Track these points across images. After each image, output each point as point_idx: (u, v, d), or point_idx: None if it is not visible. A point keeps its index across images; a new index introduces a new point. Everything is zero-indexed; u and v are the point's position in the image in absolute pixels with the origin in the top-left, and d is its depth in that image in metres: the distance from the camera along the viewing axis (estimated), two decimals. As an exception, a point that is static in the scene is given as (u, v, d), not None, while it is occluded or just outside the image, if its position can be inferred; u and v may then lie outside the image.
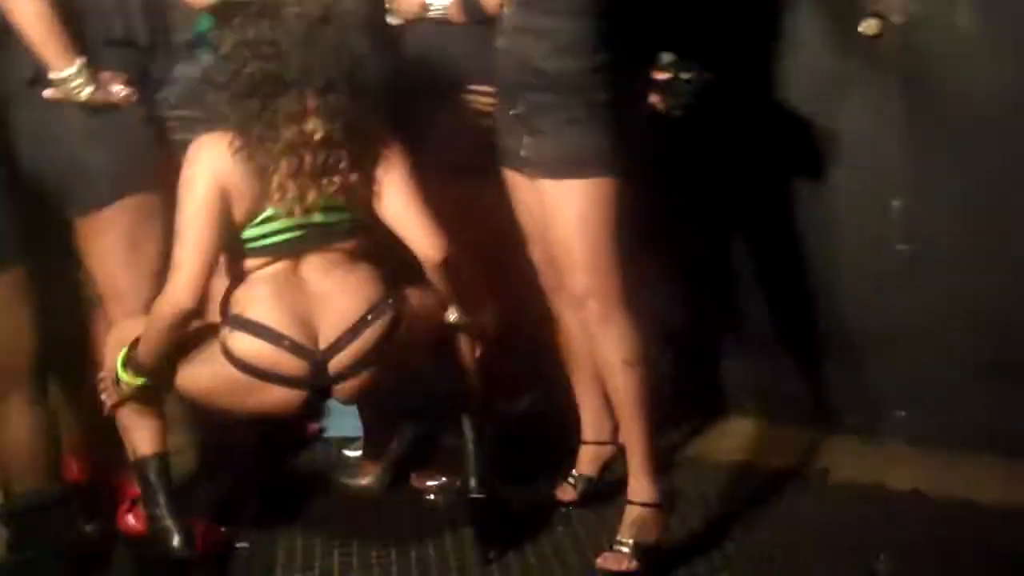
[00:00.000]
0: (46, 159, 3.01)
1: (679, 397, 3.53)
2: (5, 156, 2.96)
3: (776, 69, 3.47)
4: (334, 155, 2.76)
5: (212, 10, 2.93)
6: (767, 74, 3.48)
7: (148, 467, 2.94)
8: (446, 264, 2.89)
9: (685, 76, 3.11)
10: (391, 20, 3.37)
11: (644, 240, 3.00)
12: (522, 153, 2.96)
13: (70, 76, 2.92)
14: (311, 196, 2.78)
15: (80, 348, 3.23)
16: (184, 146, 2.90)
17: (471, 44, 3.23)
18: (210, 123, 2.91)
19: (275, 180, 2.77)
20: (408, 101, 3.28)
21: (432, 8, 3.27)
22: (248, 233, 2.85)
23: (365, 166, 2.85)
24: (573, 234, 2.90)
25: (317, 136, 2.73)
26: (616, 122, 2.90)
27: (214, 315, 2.91)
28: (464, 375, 3.10)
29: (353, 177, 2.81)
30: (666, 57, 3.13)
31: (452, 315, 3.03)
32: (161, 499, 2.93)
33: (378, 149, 2.88)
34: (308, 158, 2.74)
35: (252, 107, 2.73)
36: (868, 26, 3.25)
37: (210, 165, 2.79)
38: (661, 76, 3.12)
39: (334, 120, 2.73)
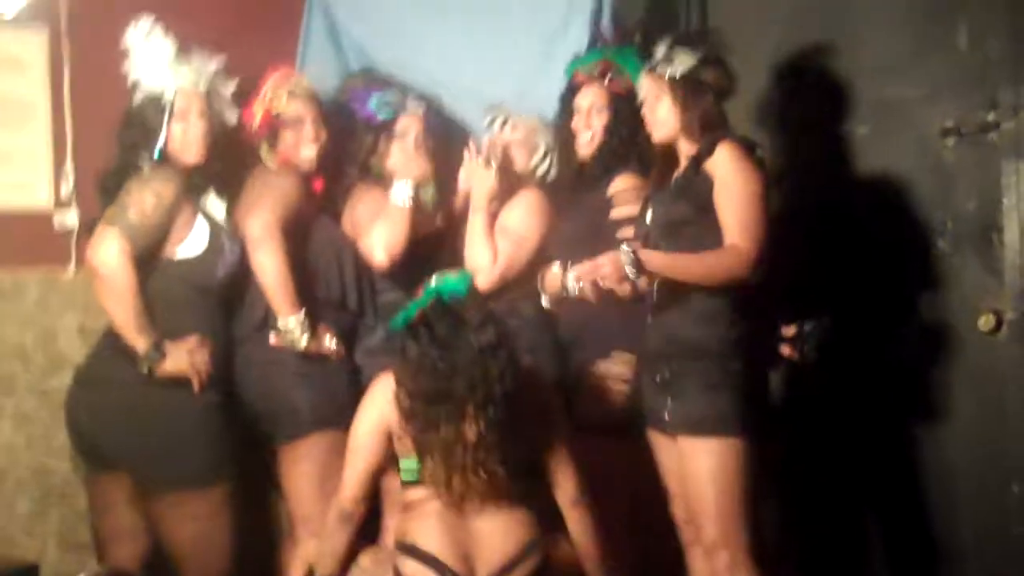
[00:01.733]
0: (261, 392, 3.56)
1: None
2: (228, 387, 3.49)
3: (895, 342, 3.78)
4: (483, 455, 3.10)
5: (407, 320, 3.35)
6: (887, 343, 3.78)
7: None
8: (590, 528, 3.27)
9: (808, 327, 3.46)
10: (544, 302, 3.76)
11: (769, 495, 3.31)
12: (665, 415, 3.34)
13: (293, 325, 3.46)
14: (457, 485, 3.11)
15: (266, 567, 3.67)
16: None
17: (611, 319, 3.62)
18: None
19: (429, 465, 3.14)
20: (562, 369, 3.70)
21: (569, 291, 3.61)
22: (410, 464, 3.22)
23: (520, 451, 3.18)
24: (706, 487, 3.23)
25: (470, 437, 3.09)
26: (749, 386, 3.28)
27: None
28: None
29: (500, 472, 3.12)
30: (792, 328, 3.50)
31: None
32: None
33: (539, 431, 3.24)
34: (460, 454, 3.10)
35: (418, 405, 3.13)
36: (986, 322, 3.54)
37: (379, 404, 3.25)
38: (789, 331, 3.47)
39: (488, 426, 3.09)
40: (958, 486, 3.68)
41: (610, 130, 3.72)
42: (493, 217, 3.73)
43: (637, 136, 3.62)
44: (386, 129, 3.83)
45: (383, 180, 3.80)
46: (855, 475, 3.87)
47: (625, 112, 3.67)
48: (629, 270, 3.18)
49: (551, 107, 3.93)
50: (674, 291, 3.32)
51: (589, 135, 3.75)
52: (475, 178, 3.72)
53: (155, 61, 3.47)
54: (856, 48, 3.86)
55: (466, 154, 3.76)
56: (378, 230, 3.65)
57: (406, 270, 3.70)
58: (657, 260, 3.24)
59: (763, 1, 4.17)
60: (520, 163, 3.81)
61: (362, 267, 3.72)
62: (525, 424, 3.16)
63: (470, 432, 3.07)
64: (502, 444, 3.10)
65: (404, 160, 3.81)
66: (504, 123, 3.83)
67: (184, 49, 3.52)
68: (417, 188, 3.70)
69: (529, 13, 4.15)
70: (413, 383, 3.13)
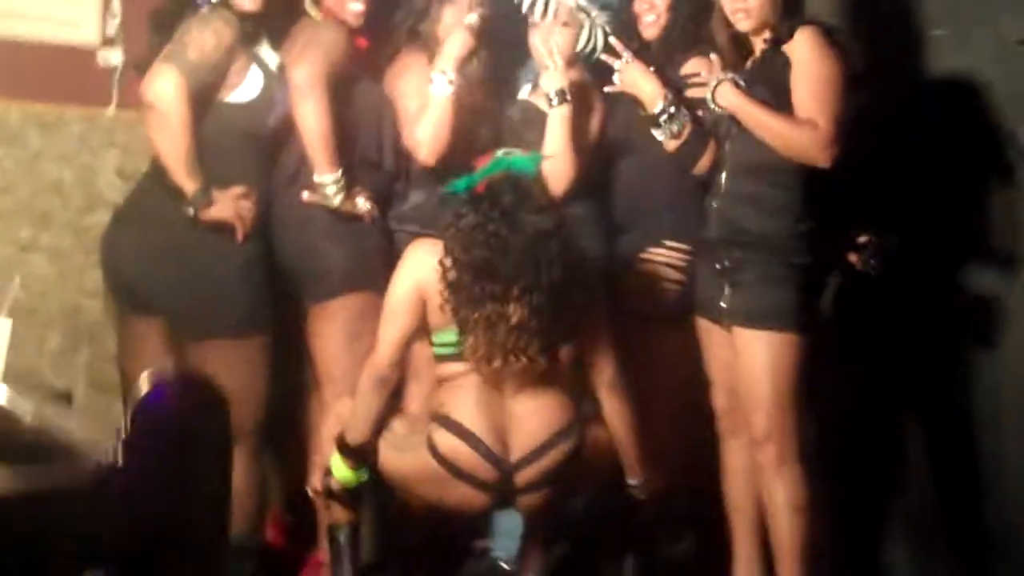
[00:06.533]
0: (293, 249, 3.46)
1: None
2: (266, 239, 3.41)
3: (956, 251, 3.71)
4: (526, 340, 3.01)
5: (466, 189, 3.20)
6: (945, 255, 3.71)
7: (340, 531, 3.24)
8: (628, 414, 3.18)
9: (878, 240, 3.41)
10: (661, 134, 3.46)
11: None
12: (722, 304, 3.28)
13: (329, 182, 3.36)
14: (496, 363, 3.03)
15: (292, 423, 3.60)
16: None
17: (663, 205, 3.56)
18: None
19: (470, 339, 3.05)
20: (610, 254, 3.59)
21: (660, 123, 3.44)
22: (445, 338, 3.13)
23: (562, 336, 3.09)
24: (760, 379, 3.18)
25: (513, 320, 2.99)
26: (810, 283, 3.23)
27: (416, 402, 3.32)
28: (633, 517, 3.33)
29: (542, 360, 3.03)
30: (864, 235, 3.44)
31: (631, 479, 3.24)
32: (346, 563, 3.22)
33: (581, 318, 3.11)
34: (502, 335, 3.01)
35: (466, 277, 3.03)
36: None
37: (415, 270, 3.15)
38: (861, 239, 3.42)
39: (532, 312, 2.99)
40: (1006, 410, 3.60)
41: (675, 7, 3.59)
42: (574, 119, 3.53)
43: (704, 13, 3.49)
44: None
45: (431, 46, 3.62)
46: (903, 389, 3.80)
47: None
48: (708, 93, 3.21)
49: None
50: (746, 177, 3.25)
51: (653, 16, 3.61)
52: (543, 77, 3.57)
53: None
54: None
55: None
56: (423, 126, 3.49)
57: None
58: (736, 96, 3.22)
59: None
60: (567, 48, 3.61)
61: (400, 130, 3.59)
62: (569, 311, 3.07)
63: (514, 314, 2.99)
64: (545, 331, 3.02)
65: (451, 31, 3.59)
66: (545, 8, 3.61)
67: None
68: (461, 67, 3.53)
69: None
70: (464, 253, 3.03)
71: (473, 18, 3.54)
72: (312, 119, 3.34)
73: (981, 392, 3.65)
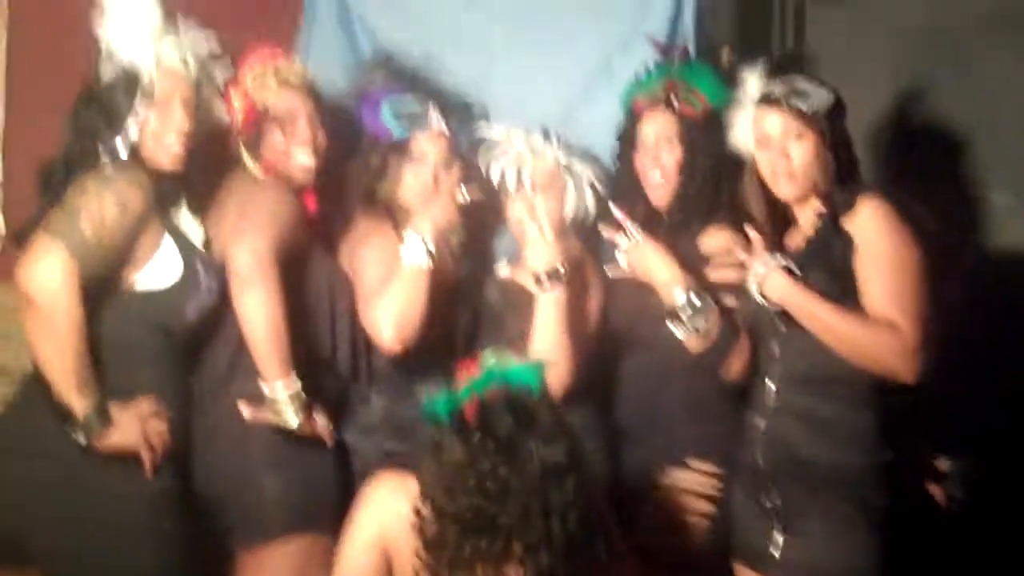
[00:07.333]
0: (219, 477, 2.79)
1: None
2: (182, 465, 2.72)
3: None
4: None
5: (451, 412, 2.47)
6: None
7: None
8: None
9: (958, 465, 2.90)
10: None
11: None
12: (772, 553, 2.64)
13: (283, 395, 2.71)
14: None
15: None
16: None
17: (683, 412, 2.92)
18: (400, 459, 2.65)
19: None
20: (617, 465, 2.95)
21: (681, 317, 2.85)
22: None
23: None
24: None
25: None
26: (892, 530, 2.59)
27: None
28: None
29: None
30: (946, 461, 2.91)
31: None
32: None
33: None
34: None
35: (450, 532, 2.34)
36: None
37: (378, 516, 2.48)
38: (942, 469, 2.88)
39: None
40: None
41: (688, 167, 3.00)
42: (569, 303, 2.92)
43: (727, 172, 2.94)
44: (398, 149, 3.03)
45: (393, 212, 3.04)
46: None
47: (702, 143, 2.98)
48: (754, 283, 2.66)
49: (602, 138, 3.20)
50: (803, 390, 2.64)
51: (661, 177, 3.02)
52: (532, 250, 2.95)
53: (136, 26, 2.68)
54: (992, 90, 3.35)
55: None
56: (387, 302, 2.85)
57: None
58: (791, 288, 2.63)
59: (874, 22, 3.54)
60: (554, 217, 3.02)
61: (357, 318, 2.94)
62: (586, 572, 2.36)
63: None
64: None
65: (422, 196, 3.01)
66: (518, 176, 3.07)
67: (171, 19, 2.74)
68: (438, 239, 2.92)
69: (591, 15, 3.39)
70: (448, 499, 2.32)
71: (467, 194, 2.98)
72: (260, 315, 2.68)
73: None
